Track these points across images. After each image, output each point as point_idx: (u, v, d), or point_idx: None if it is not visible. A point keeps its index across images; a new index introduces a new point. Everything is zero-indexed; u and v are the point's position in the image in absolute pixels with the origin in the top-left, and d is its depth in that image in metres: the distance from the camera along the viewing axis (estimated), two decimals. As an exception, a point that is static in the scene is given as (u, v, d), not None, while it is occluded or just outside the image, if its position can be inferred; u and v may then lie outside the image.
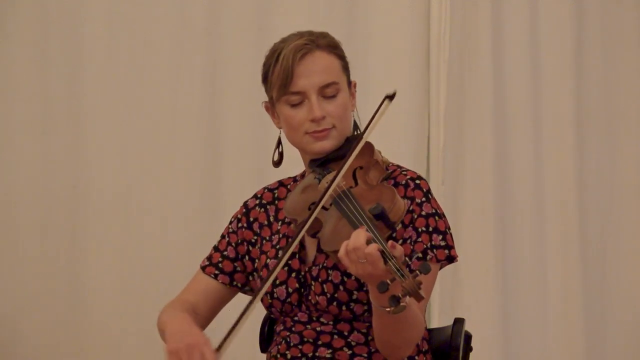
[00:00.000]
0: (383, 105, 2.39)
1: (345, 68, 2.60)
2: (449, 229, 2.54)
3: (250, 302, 2.41)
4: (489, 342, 4.17)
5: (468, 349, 2.74)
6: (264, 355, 2.71)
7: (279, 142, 2.64)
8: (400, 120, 4.20)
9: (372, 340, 2.50)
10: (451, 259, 2.52)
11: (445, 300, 4.18)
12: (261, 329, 2.82)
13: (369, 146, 2.53)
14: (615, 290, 4.32)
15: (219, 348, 2.39)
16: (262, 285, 2.44)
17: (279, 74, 2.52)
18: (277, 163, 2.65)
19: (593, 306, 4.29)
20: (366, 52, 4.21)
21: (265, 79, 2.59)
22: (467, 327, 2.75)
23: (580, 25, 4.30)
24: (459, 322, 2.73)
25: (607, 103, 4.33)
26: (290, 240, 2.52)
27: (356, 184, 2.48)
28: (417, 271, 2.14)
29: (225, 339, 2.40)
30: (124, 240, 4.21)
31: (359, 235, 2.24)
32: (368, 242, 2.22)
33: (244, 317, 2.39)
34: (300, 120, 2.54)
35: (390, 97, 2.39)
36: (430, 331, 2.72)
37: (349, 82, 2.61)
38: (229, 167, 4.22)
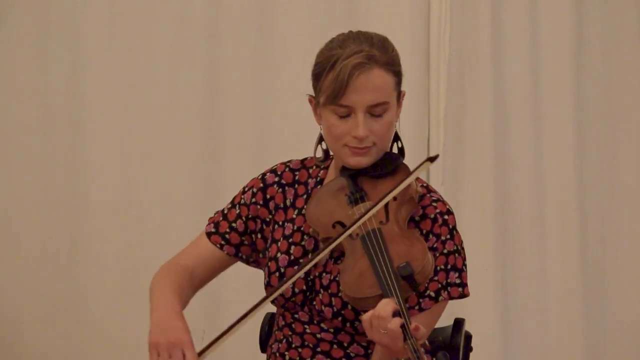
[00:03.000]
0: (423, 166, 2.33)
1: (398, 83, 2.55)
2: (465, 262, 2.50)
3: (250, 310, 2.37)
4: (489, 342, 4.17)
5: (468, 349, 2.74)
6: (264, 356, 2.71)
7: (321, 139, 2.56)
8: (400, 120, 4.19)
9: (372, 353, 2.47)
10: (463, 296, 2.48)
11: (445, 300, 4.18)
12: (261, 328, 2.82)
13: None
14: (615, 290, 4.32)
15: (202, 352, 2.36)
16: (270, 294, 2.40)
17: (332, 82, 2.44)
18: (323, 161, 2.58)
19: (593, 306, 4.29)
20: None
21: (317, 79, 2.49)
22: (467, 327, 2.75)
23: (580, 25, 4.30)
24: (459, 322, 2.73)
25: (607, 103, 4.33)
26: (310, 256, 2.46)
27: (387, 219, 2.42)
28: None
29: (211, 344, 2.37)
30: (124, 240, 4.21)
31: (387, 306, 2.21)
32: (394, 314, 2.20)
33: (239, 323, 2.36)
34: (342, 132, 2.47)
35: (432, 160, 2.34)
36: (429, 331, 2.73)
37: (399, 94, 2.56)
38: (229, 167, 4.21)
